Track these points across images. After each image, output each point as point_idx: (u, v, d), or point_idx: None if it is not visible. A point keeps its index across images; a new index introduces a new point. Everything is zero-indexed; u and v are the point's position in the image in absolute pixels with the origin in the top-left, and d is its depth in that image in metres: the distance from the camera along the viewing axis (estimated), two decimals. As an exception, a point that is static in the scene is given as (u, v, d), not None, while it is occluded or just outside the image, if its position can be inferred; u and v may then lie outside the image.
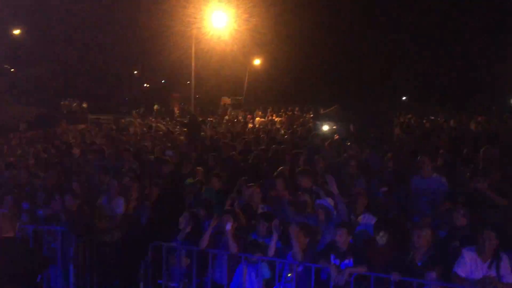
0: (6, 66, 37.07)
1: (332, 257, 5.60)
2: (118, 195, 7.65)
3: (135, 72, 45.54)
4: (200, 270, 6.27)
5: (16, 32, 33.71)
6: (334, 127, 16.43)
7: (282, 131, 17.33)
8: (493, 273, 5.10)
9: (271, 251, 5.82)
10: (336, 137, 13.97)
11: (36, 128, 15.63)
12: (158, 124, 20.20)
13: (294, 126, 19.29)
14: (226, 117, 24.76)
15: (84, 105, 30.62)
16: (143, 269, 6.54)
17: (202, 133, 16.26)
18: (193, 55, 26.75)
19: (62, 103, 32.00)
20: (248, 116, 24.57)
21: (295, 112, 25.72)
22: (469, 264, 5.18)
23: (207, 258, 6.22)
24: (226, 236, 6.08)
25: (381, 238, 5.74)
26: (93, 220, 6.96)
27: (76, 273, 6.61)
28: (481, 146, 8.43)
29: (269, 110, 25.87)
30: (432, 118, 25.27)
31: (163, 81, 44.59)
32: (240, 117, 24.21)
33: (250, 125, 20.74)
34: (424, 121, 23.41)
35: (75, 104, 30.72)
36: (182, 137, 15.16)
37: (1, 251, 4.84)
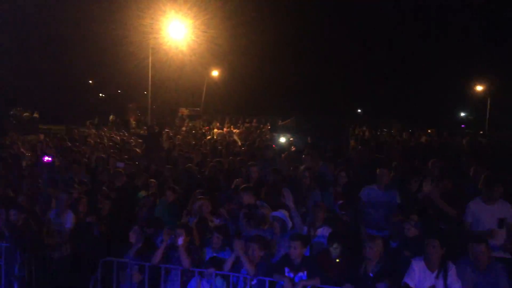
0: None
1: (286, 270, 5.58)
2: (67, 209, 7.39)
3: (90, 81, 44.53)
4: (152, 286, 6.11)
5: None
6: (291, 138, 16.57)
7: (240, 143, 17.31)
8: (440, 283, 5.22)
9: (227, 267, 5.75)
10: (293, 148, 14.08)
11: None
12: (113, 135, 19.72)
13: (252, 138, 19.31)
14: (183, 128, 24.52)
15: (36, 114, 29.56)
16: (92, 286, 6.29)
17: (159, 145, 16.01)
18: (149, 65, 26.48)
19: (11, 112, 30.75)
20: (206, 127, 24.42)
21: (253, 124, 25.78)
22: (418, 274, 5.29)
23: (160, 273, 6.08)
24: (179, 251, 5.96)
25: (335, 249, 5.78)
26: (40, 235, 6.67)
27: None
28: (430, 158, 8.66)
29: (226, 121, 25.82)
30: (385, 130, 25.96)
31: (119, 91, 43.79)
32: (198, 129, 24.02)
33: (208, 137, 20.60)
34: (378, 133, 24.01)
35: (26, 113, 29.59)
36: (137, 149, 14.85)
37: None
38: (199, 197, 7.15)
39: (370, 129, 24.96)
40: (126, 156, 12.84)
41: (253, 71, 35.32)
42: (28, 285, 6.42)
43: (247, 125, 25.33)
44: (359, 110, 42.96)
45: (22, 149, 13.62)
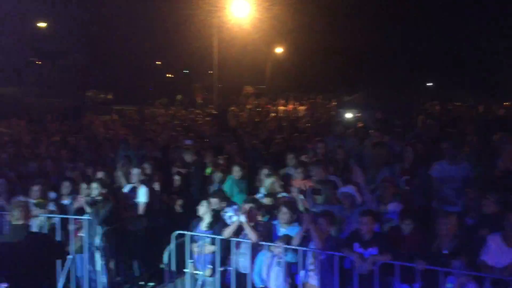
0: (33, 59, 37.74)
1: (355, 245, 5.54)
2: (141, 184, 7.74)
3: (158, 62, 45.79)
4: (224, 258, 6.31)
5: (42, 25, 34.25)
6: (358, 114, 16.26)
7: (305, 120, 17.21)
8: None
9: (296, 241, 5.80)
10: (360, 124, 13.81)
11: (62, 120, 15.87)
12: (181, 114, 20.29)
13: (317, 114, 19.15)
14: (248, 106, 24.71)
15: (109, 96, 30.99)
16: (167, 258, 6.59)
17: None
18: (215, 44, 26.74)
19: (87, 94, 32.49)
20: (270, 106, 24.42)
21: (318, 100, 25.49)
22: (494, 250, 5.06)
23: (230, 246, 6.25)
24: (245, 226, 6.08)
25: (407, 226, 5.66)
26: (118, 209, 7.05)
27: (103, 261, 6.70)
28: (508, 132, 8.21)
29: (291, 98, 25.69)
30: (459, 104, 24.69)
31: (185, 71, 44.73)
32: (262, 106, 24.11)
33: (273, 114, 20.65)
34: (451, 107, 22.91)
35: (100, 95, 31.12)
36: (206, 127, 15.18)
37: (12, 236, 4.98)
38: (269, 173, 7.24)
39: (441, 102, 23.87)
40: (191, 134, 13.18)
41: (318, 46, 34.64)
42: (108, 255, 6.82)
43: (312, 101, 25.08)
44: (429, 84, 41.09)
45: (98, 129, 14.35)
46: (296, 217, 6.09)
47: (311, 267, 5.73)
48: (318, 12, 32.17)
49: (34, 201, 6.86)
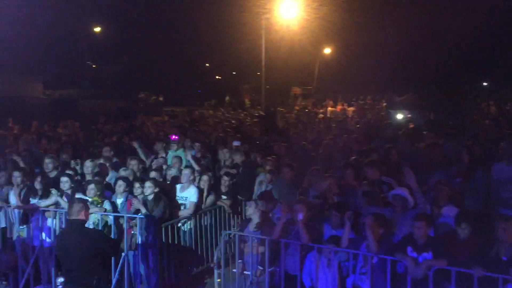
0: (88, 62, 39.26)
1: (409, 249, 5.40)
2: (191, 184, 7.86)
3: (207, 64, 46.50)
4: (273, 258, 6.31)
5: (97, 29, 35.56)
6: (409, 115, 15.87)
7: (353, 121, 16.97)
8: None
9: (344, 242, 5.72)
10: (411, 126, 13.48)
11: (116, 121, 16.41)
12: (229, 115, 20.53)
13: (367, 115, 18.84)
14: (296, 107, 24.64)
15: (160, 98, 31.80)
16: (217, 257, 6.67)
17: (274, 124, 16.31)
18: (263, 45, 26.82)
19: (140, 96, 33.46)
20: (319, 107, 24.22)
21: (367, 101, 25.07)
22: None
23: (280, 246, 6.24)
24: (298, 226, 6.06)
25: (463, 230, 5.45)
26: (169, 208, 7.19)
27: (155, 258, 6.86)
28: None
29: (339, 99, 25.40)
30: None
31: (233, 73, 45.18)
32: (310, 107, 23.98)
33: (321, 115, 20.49)
34: (507, 107, 21.93)
35: (152, 97, 32.02)
36: (255, 128, 15.28)
37: (71, 232, 5.18)
38: (325, 175, 7.17)
39: (497, 103, 22.89)
40: (238, 135, 13.29)
41: (367, 46, 34.05)
42: (160, 252, 6.98)
43: (362, 102, 24.69)
44: (485, 84, 39.44)
45: (150, 130, 14.72)
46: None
47: (363, 270, 5.63)
48: (367, 11, 31.62)
49: (90, 199, 7.11)
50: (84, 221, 5.28)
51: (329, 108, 22.95)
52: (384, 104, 22.86)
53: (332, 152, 10.24)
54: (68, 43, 31.65)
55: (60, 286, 5.18)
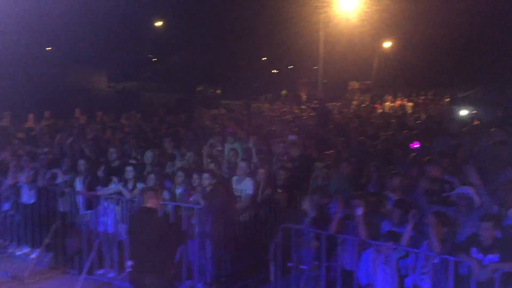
0: (150, 56, 40.48)
1: (473, 250, 5.17)
2: (247, 176, 7.92)
3: (264, 58, 46.63)
4: (329, 254, 6.25)
5: (158, 24, 36.53)
6: (474, 111, 15.18)
7: (413, 117, 16.46)
8: None
9: (405, 240, 5.56)
10: (476, 122, 12.91)
11: (175, 113, 16.79)
12: (285, 109, 20.49)
13: (428, 111, 18.21)
14: (354, 102, 24.21)
15: (218, 91, 32.29)
16: (273, 250, 6.68)
17: (330, 118, 16.11)
18: (321, 39, 26.51)
19: (197, 89, 34.10)
20: (377, 104, 23.65)
21: (429, 96, 24.22)
22: None
23: (336, 242, 6.17)
24: (356, 222, 5.96)
25: (534, 233, 5.16)
26: (226, 200, 7.27)
27: (212, 248, 6.98)
28: None
29: (399, 94, 24.69)
30: None
31: (290, 67, 45.05)
32: (367, 102, 23.49)
33: (380, 110, 20.03)
34: None
35: (209, 90, 32.57)
36: (311, 122, 15.18)
37: (142, 219, 5.35)
38: (394, 172, 7.01)
39: None
40: (295, 129, 13.23)
41: (429, 39, 32.77)
42: (217, 243, 7.09)
43: (423, 97, 23.89)
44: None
45: (207, 122, 14.97)
46: (407, 218, 5.83)
47: (423, 270, 5.45)
48: (430, 1, 30.41)
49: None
50: (155, 209, 5.44)
51: (387, 103, 22.38)
52: (447, 99, 22.03)
53: (390, 148, 10.02)
54: (131, 38, 32.73)
55: (129, 270, 5.39)
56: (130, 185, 7.67)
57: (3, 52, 19.33)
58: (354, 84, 32.61)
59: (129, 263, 5.43)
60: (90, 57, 28.92)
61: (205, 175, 7.31)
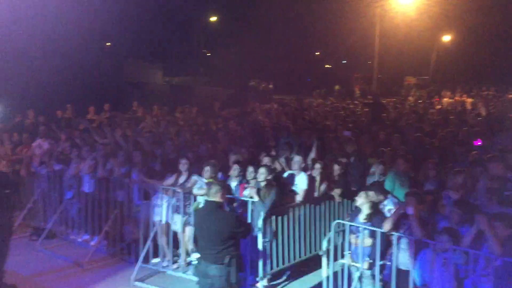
0: (204, 50, 41.08)
1: (540, 253, 4.90)
2: (301, 171, 7.88)
3: (317, 53, 46.18)
4: (383, 252, 6.12)
5: (213, 19, 37.00)
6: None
7: (473, 113, 15.77)
8: None
9: (467, 242, 5.34)
10: (544, 120, 12.23)
11: (228, 107, 16.95)
12: (338, 104, 20.21)
13: (490, 108, 17.41)
14: (410, 98, 23.51)
15: (270, 85, 32.31)
16: (326, 247, 6.62)
17: (384, 114, 15.74)
18: (377, 34, 25.96)
19: (250, 83, 34.26)
20: (436, 98, 22.83)
21: (490, 92, 23.13)
22: None
23: (391, 240, 6.03)
24: (410, 220, 5.79)
25: None
26: (280, 195, 7.28)
27: (263, 243, 7.00)
28: None
29: (458, 89, 23.72)
30: None
31: (344, 62, 44.40)
32: (424, 98, 22.72)
33: (438, 106, 19.35)
34: None
35: (262, 85, 32.66)
36: (363, 118, 14.90)
37: (209, 212, 5.42)
38: (457, 169, 6.77)
39: None
40: (351, 125, 13.03)
41: (492, 32, 31.22)
42: (269, 238, 7.10)
43: (484, 93, 22.85)
44: None
45: (260, 116, 15.01)
46: (467, 218, 5.60)
47: (483, 272, 5.22)
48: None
49: (206, 180, 7.44)
50: (221, 203, 5.51)
51: (446, 99, 21.56)
52: (511, 96, 20.98)
53: (448, 146, 9.68)
54: (186, 33, 33.35)
55: (195, 262, 5.51)
56: (183, 177, 7.83)
57: (67, 48, 20.24)
58: (411, 79, 31.67)
59: (195, 255, 5.55)
60: (146, 52, 29.72)
61: (260, 169, 7.34)
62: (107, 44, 30.63)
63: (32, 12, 18.67)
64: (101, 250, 8.50)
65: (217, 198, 5.44)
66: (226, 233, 5.29)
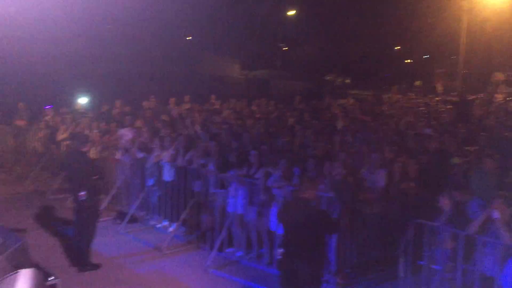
0: (281, 45, 41.10)
1: None
2: (379, 168, 7.67)
3: (397, 48, 44.67)
4: (466, 256, 5.81)
5: (291, 13, 36.87)
6: None
7: None
8: None
9: None
10: None
11: (305, 101, 16.85)
12: (419, 101, 19.42)
13: None
14: (498, 95, 22.05)
15: (347, 80, 31.75)
16: (403, 247, 6.40)
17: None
18: (463, 27, 24.62)
19: (326, 78, 33.88)
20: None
21: None
22: None
23: (474, 243, 5.71)
24: (496, 224, 5.44)
25: None
26: (356, 191, 7.14)
27: (337, 238, 6.91)
28: None
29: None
30: None
31: (425, 56, 42.57)
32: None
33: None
34: None
35: (339, 79, 32.20)
36: (447, 115, 14.20)
37: (298, 208, 5.38)
38: None
39: None
40: (434, 122, 12.47)
41: None
42: (344, 234, 6.99)
43: None
44: None
45: (335, 112, 14.77)
46: None
47: None
48: None
49: (281, 173, 7.46)
50: (312, 199, 5.40)
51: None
52: None
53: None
54: (263, 28, 33.58)
55: (279, 257, 5.52)
56: (253, 169, 7.91)
57: (152, 43, 21.13)
58: (499, 76, 29.65)
59: (280, 250, 5.55)
60: (225, 47, 30.30)
61: (335, 164, 7.24)
62: (188, 38, 31.58)
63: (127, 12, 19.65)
64: (179, 237, 8.81)
65: (307, 194, 5.35)
66: (316, 230, 5.18)
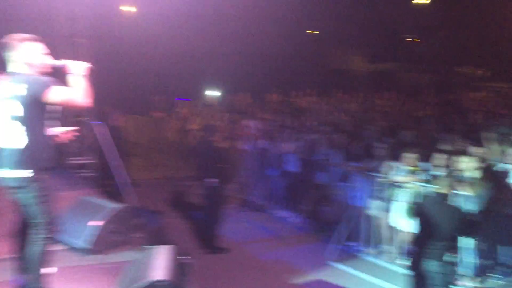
0: (407, 36, 39.01)
1: None
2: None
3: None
4: None
5: (418, 1, 34.76)
6: None
7: None
8: None
9: None
10: None
11: (433, 95, 15.95)
12: None
13: None
14: None
15: (480, 71, 29.24)
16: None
17: None
18: None
19: (456, 70, 31.52)
20: None
21: None
22: None
23: None
24: None
25: None
26: (494, 189, 6.58)
27: (476, 241, 6.45)
28: None
29: None
30: None
31: None
32: None
33: None
34: None
35: (475, 71, 29.78)
36: None
37: (434, 202, 5.19)
38: None
39: None
40: None
41: None
42: (481, 236, 6.50)
43: None
44: None
45: (469, 104, 13.78)
46: None
47: None
48: None
49: (408, 168, 7.17)
50: (449, 196, 5.22)
51: None
52: None
53: None
54: (390, 19, 32.23)
55: (410, 256, 5.35)
56: (378, 163, 7.69)
57: (279, 37, 21.45)
58: None
59: (411, 249, 5.38)
60: (349, 39, 29.70)
61: (465, 159, 6.72)
62: (314, 32, 31.47)
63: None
64: (300, 227, 8.90)
65: (445, 189, 5.06)
66: (452, 229, 4.94)
